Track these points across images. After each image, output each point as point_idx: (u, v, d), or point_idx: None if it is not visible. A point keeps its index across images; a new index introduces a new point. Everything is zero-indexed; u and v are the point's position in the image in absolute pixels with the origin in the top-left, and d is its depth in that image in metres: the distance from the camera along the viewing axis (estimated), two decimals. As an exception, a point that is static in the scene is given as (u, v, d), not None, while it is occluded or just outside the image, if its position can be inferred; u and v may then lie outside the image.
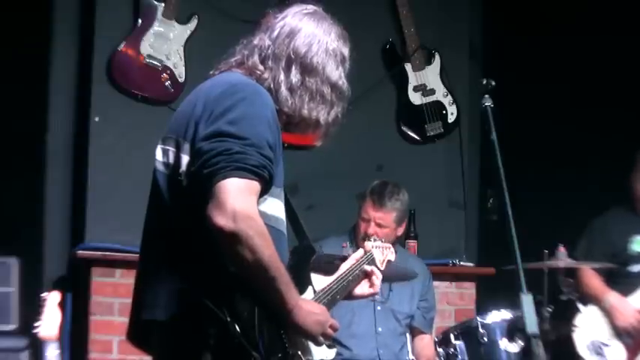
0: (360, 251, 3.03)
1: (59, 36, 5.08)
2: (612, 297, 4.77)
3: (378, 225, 4.43)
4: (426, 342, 4.63)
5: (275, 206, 2.47)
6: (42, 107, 5.01)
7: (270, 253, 2.30)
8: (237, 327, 2.28)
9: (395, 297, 4.55)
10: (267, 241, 2.30)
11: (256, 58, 2.54)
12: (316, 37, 2.56)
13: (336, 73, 2.58)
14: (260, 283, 2.32)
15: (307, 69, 2.54)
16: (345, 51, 2.63)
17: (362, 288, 2.94)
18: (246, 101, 2.40)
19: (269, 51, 2.54)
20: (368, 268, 2.95)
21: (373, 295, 3.03)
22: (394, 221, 4.48)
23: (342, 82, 2.60)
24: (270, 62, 2.53)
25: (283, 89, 2.52)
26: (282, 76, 2.52)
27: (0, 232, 4.58)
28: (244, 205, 2.27)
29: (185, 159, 2.41)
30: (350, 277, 2.88)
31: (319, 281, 2.77)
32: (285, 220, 2.55)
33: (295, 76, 2.52)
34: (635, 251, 4.83)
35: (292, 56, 2.53)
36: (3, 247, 4.56)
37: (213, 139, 2.34)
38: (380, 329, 4.48)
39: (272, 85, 2.52)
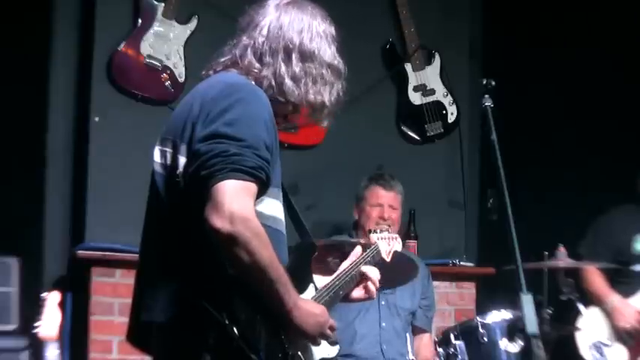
0: (358, 249, 3.00)
1: (59, 36, 5.07)
2: (614, 299, 4.78)
3: (391, 207, 4.50)
4: (425, 341, 4.64)
5: (273, 206, 2.47)
6: (42, 107, 5.00)
7: (268, 255, 2.30)
8: (235, 330, 2.27)
9: (398, 292, 4.55)
10: (264, 242, 2.29)
11: (251, 57, 2.55)
12: (305, 22, 2.60)
13: (330, 53, 2.62)
14: (258, 284, 2.32)
15: (305, 55, 2.57)
16: (332, 30, 2.67)
17: (359, 291, 2.88)
18: (243, 102, 2.40)
19: (264, 47, 2.55)
20: (365, 270, 2.88)
21: (369, 299, 2.94)
22: (401, 204, 4.59)
23: (337, 61, 2.64)
24: (267, 58, 2.55)
25: (287, 80, 2.53)
26: (283, 68, 2.54)
27: (0, 232, 4.57)
28: (241, 207, 2.26)
29: (182, 160, 2.41)
30: (353, 272, 2.86)
31: (320, 280, 2.77)
32: (283, 220, 2.54)
33: (297, 65, 2.55)
34: (638, 251, 4.83)
35: (290, 46, 2.56)
36: (3, 247, 4.55)
37: (210, 140, 2.33)
38: (384, 324, 4.48)
39: (274, 80, 2.53)
